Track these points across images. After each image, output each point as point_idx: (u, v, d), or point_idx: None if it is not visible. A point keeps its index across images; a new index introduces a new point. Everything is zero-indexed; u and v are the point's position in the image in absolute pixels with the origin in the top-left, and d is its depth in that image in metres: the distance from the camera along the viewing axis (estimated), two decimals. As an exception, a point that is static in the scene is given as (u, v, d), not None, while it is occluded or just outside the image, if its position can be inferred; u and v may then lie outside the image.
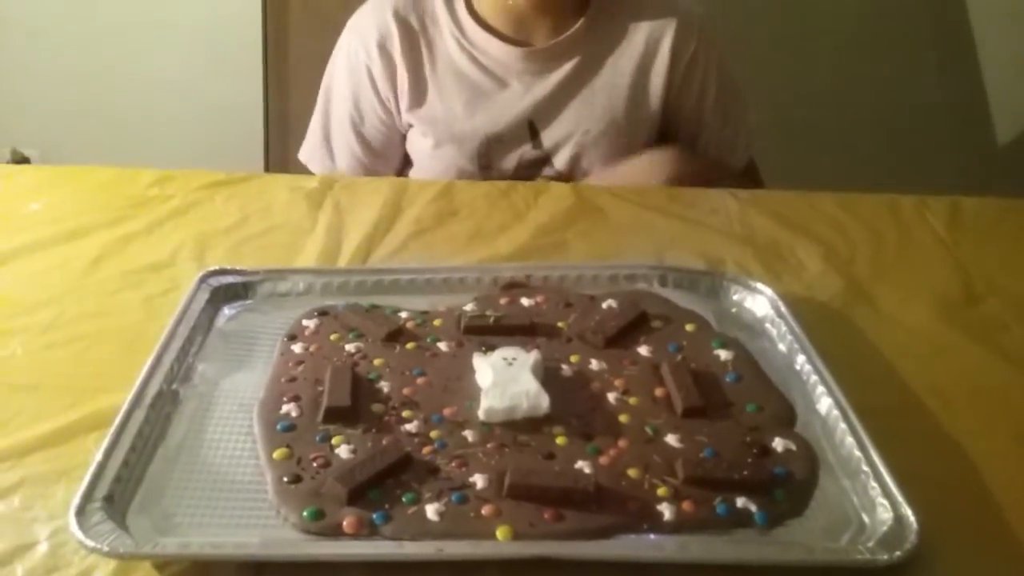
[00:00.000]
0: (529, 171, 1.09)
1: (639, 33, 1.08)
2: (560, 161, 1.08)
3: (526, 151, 1.08)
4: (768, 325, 0.75)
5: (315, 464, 0.58)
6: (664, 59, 1.07)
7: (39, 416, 0.63)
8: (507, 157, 1.08)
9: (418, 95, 1.09)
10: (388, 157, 1.14)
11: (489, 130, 1.07)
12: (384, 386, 0.66)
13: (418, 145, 1.11)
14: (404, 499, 0.55)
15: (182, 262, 0.84)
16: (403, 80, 1.08)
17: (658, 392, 0.66)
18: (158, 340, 0.68)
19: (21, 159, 1.96)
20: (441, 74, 1.08)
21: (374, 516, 0.54)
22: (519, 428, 0.61)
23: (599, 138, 1.08)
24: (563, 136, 1.08)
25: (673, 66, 1.08)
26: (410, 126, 1.11)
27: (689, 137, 1.13)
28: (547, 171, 1.09)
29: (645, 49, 1.07)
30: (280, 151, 1.75)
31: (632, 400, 0.65)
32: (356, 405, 0.63)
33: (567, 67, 1.07)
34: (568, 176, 1.09)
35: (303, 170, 1.16)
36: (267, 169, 1.34)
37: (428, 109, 1.09)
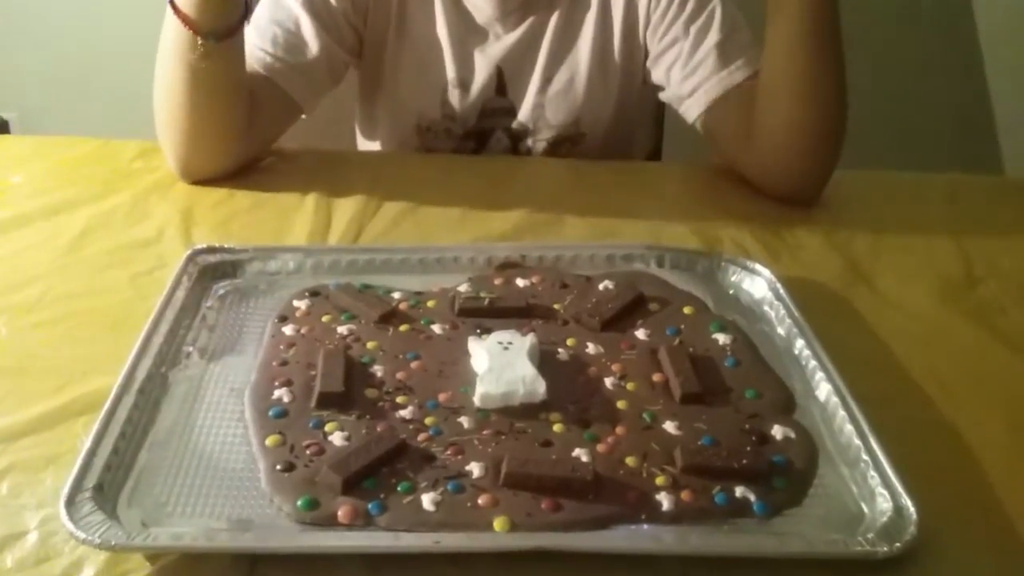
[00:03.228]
0: (491, 120, 1.06)
1: None
2: (523, 113, 1.05)
3: (489, 99, 1.05)
4: (767, 307, 0.74)
5: (308, 452, 0.57)
6: (620, 7, 1.03)
7: (26, 400, 0.62)
8: (471, 104, 1.05)
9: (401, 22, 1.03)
10: (308, 74, 0.98)
11: (456, 74, 1.04)
12: (378, 370, 0.64)
13: (378, 81, 1.06)
14: (399, 488, 0.54)
15: (169, 239, 0.82)
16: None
17: (656, 377, 0.65)
18: (146, 320, 0.67)
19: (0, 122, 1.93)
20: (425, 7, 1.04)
21: (369, 506, 0.53)
22: (515, 414, 0.61)
23: (564, 90, 1.04)
24: (528, 87, 1.04)
25: (628, 11, 1.03)
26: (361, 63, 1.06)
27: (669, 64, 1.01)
28: (508, 122, 1.06)
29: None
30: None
31: (630, 385, 0.64)
32: (349, 390, 0.62)
33: (542, 17, 1.03)
34: (531, 128, 1.05)
35: (288, 142, 1.13)
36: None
37: (407, 39, 1.04)
